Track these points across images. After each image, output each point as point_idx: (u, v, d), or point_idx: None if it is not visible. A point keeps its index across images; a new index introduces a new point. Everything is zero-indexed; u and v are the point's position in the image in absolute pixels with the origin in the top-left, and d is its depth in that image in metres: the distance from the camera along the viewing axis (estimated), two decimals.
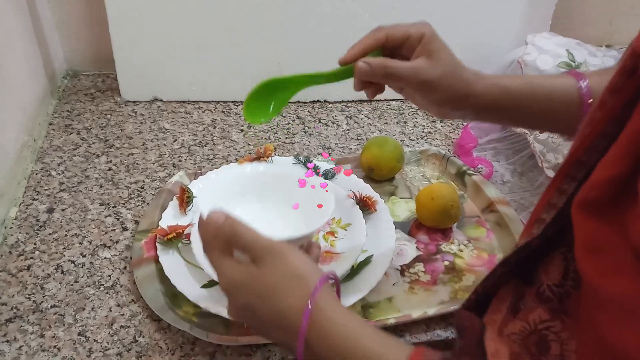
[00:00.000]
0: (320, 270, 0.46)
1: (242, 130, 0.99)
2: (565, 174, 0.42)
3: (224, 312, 0.62)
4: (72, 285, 0.69)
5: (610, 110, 0.37)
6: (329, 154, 0.95)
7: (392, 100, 1.12)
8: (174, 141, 0.96)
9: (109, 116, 1.02)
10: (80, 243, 0.75)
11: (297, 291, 0.43)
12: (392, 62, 0.55)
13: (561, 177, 0.42)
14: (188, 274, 0.68)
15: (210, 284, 0.67)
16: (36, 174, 0.86)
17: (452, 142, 1.00)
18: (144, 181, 0.87)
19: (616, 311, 0.30)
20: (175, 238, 0.71)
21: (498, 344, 0.38)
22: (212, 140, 0.97)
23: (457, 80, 0.56)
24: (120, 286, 0.69)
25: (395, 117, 1.07)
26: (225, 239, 0.46)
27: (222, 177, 0.58)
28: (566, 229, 0.42)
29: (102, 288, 0.69)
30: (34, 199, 0.81)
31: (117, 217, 0.80)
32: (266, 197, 0.68)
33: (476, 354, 0.38)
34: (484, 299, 0.49)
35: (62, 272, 0.70)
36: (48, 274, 0.70)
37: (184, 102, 1.07)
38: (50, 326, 0.64)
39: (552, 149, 0.89)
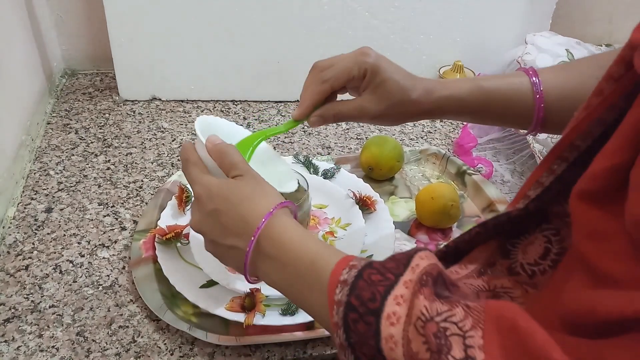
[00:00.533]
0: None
1: None
2: (557, 155, 0.44)
3: (223, 312, 0.62)
4: (70, 285, 0.69)
5: (608, 98, 0.39)
6: (329, 153, 0.95)
7: None
8: (173, 140, 0.96)
9: (107, 115, 1.01)
10: (79, 243, 0.75)
11: (264, 203, 0.47)
12: (339, 107, 0.59)
13: (552, 158, 0.44)
14: (187, 274, 0.68)
15: (209, 284, 0.67)
16: (34, 173, 0.86)
17: (451, 141, 1.00)
18: (142, 181, 0.86)
19: (611, 284, 0.31)
20: (174, 238, 0.71)
21: (425, 261, 0.39)
22: None
23: (406, 105, 0.58)
24: (119, 286, 0.69)
25: None
26: (216, 155, 0.51)
27: (222, 122, 0.61)
28: (547, 207, 0.46)
29: (100, 288, 0.68)
30: (32, 199, 0.81)
31: (116, 216, 0.79)
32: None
33: (401, 262, 0.40)
34: (454, 257, 0.52)
35: (61, 272, 0.70)
36: (46, 274, 0.70)
37: (182, 101, 1.07)
38: (48, 326, 0.63)
39: None
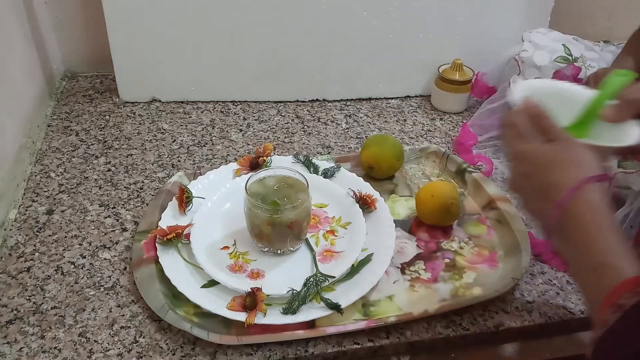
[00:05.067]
0: (603, 168, 0.49)
1: (240, 130, 0.99)
2: None
3: (224, 312, 0.63)
4: (72, 286, 0.69)
5: None
6: (329, 152, 0.95)
7: (392, 98, 1.11)
8: (173, 141, 0.96)
9: (107, 117, 1.02)
10: (80, 244, 0.75)
11: (572, 173, 0.47)
12: None
13: None
14: (188, 274, 0.68)
15: (210, 283, 0.67)
16: (35, 175, 0.86)
17: (451, 139, 1.00)
18: (143, 182, 0.87)
19: None
20: (175, 238, 0.71)
21: None
22: (211, 140, 0.97)
23: None
24: (121, 287, 0.69)
25: (394, 116, 1.07)
26: (530, 119, 0.52)
27: (547, 84, 0.66)
28: None
29: (102, 289, 0.69)
30: (33, 201, 0.81)
31: (117, 218, 0.79)
32: None
33: None
34: None
35: (62, 273, 0.70)
36: (48, 276, 0.70)
37: (182, 102, 1.07)
38: (50, 327, 0.64)
39: None
